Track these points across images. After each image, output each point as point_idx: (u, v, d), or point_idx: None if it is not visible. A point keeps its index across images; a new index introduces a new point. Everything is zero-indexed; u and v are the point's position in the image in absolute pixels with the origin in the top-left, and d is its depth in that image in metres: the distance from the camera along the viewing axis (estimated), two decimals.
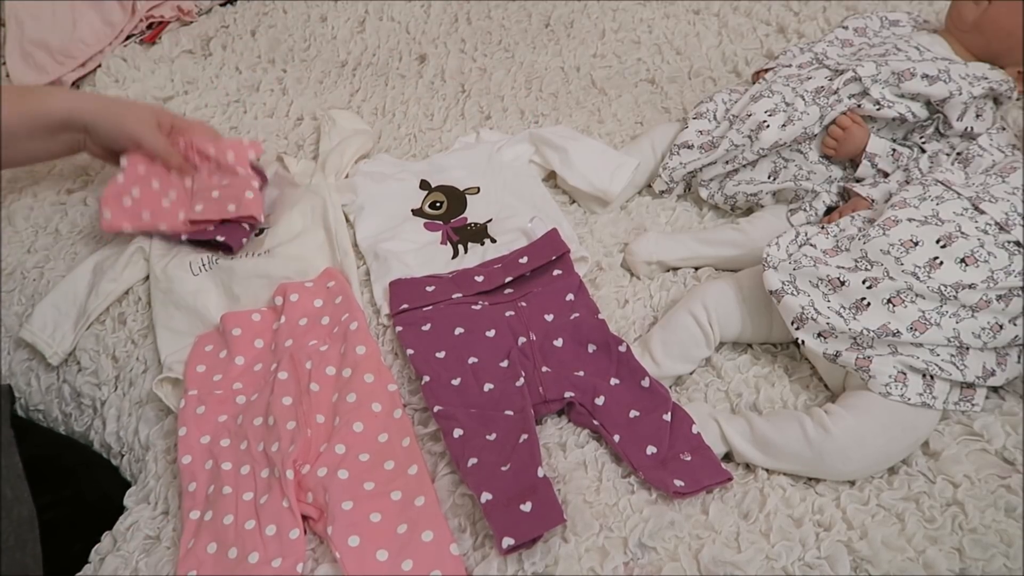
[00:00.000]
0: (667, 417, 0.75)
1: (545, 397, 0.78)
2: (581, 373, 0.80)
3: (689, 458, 0.73)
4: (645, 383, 0.78)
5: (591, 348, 0.82)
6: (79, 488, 0.78)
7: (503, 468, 0.71)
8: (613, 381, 0.79)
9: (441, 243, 0.97)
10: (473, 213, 1.00)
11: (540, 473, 0.70)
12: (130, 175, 0.97)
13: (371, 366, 0.82)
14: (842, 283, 0.77)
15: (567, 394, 0.78)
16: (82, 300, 0.95)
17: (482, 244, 0.95)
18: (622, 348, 0.81)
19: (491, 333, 0.84)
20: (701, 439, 0.74)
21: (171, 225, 0.97)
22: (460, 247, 0.96)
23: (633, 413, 0.76)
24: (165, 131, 0.98)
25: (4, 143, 0.90)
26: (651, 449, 0.73)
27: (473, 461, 0.72)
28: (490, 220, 0.98)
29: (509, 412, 0.76)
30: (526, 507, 0.68)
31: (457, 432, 0.75)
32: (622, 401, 0.77)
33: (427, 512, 0.71)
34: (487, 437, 0.74)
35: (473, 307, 0.87)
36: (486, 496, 0.69)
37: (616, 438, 0.74)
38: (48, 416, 0.95)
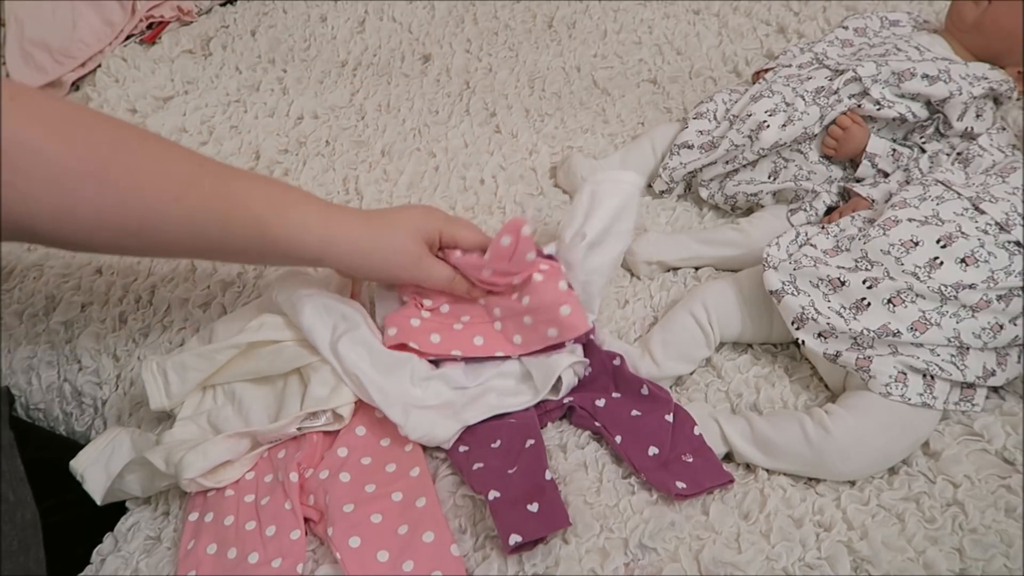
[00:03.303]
0: (669, 418, 0.75)
1: (546, 407, 0.78)
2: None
3: (691, 459, 0.72)
4: (644, 391, 0.78)
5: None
6: (82, 491, 0.78)
7: (510, 471, 0.71)
8: (615, 395, 0.79)
9: None
10: None
11: (547, 476, 0.70)
12: (413, 303, 0.81)
13: None
14: (842, 283, 0.77)
15: (567, 399, 0.78)
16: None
17: None
18: (616, 363, 0.80)
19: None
20: (703, 440, 0.74)
21: (466, 351, 0.79)
22: None
23: (635, 412, 0.76)
24: (436, 247, 0.77)
25: (218, 256, 0.74)
26: (653, 450, 0.73)
27: (479, 465, 0.72)
28: None
29: (512, 420, 0.77)
30: (533, 507, 0.68)
31: (462, 448, 0.75)
32: (623, 402, 0.77)
33: (428, 513, 0.71)
34: (491, 445, 0.74)
35: None
36: (494, 494, 0.69)
37: (618, 439, 0.74)
38: (49, 415, 0.95)
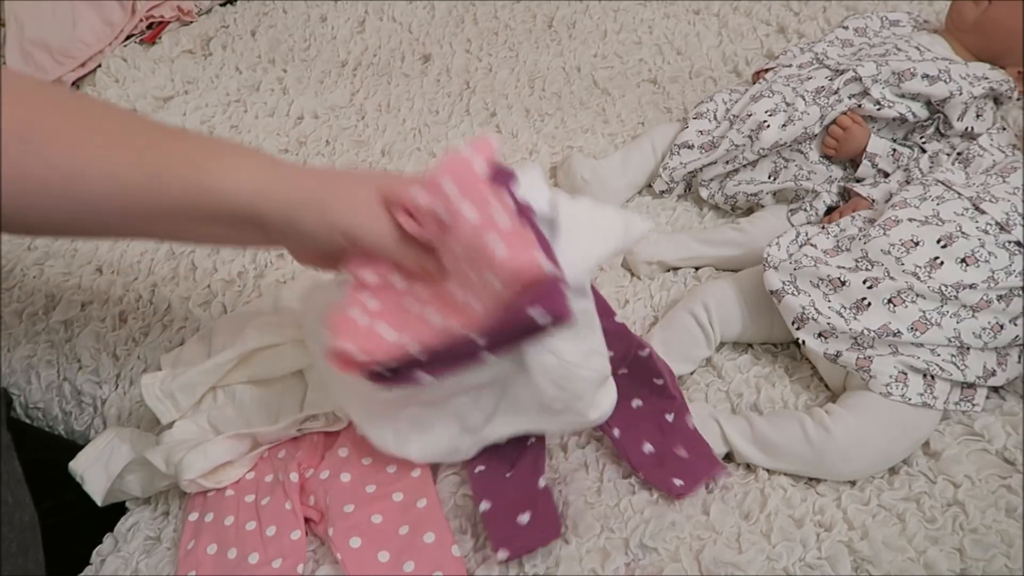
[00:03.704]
0: (670, 417, 0.75)
1: None
2: None
3: (684, 454, 0.72)
4: (658, 382, 0.74)
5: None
6: (81, 491, 0.78)
7: (507, 475, 0.71)
8: (621, 371, 0.73)
9: None
10: None
11: (541, 483, 0.69)
12: (354, 292, 0.62)
13: None
14: (843, 283, 0.77)
15: None
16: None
17: None
18: (644, 352, 0.74)
19: None
20: (696, 432, 0.73)
21: (423, 337, 0.59)
22: None
23: (636, 403, 0.75)
24: (395, 208, 0.59)
25: (153, 219, 0.60)
26: (648, 447, 0.73)
27: (480, 468, 0.72)
28: None
29: None
30: (524, 518, 0.67)
31: None
32: (625, 391, 0.70)
33: (429, 514, 0.71)
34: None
35: None
36: (484, 505, 0.69)
37: (616, 432, 0.73)
38: (48, 414, 0.95)
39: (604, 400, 0.64)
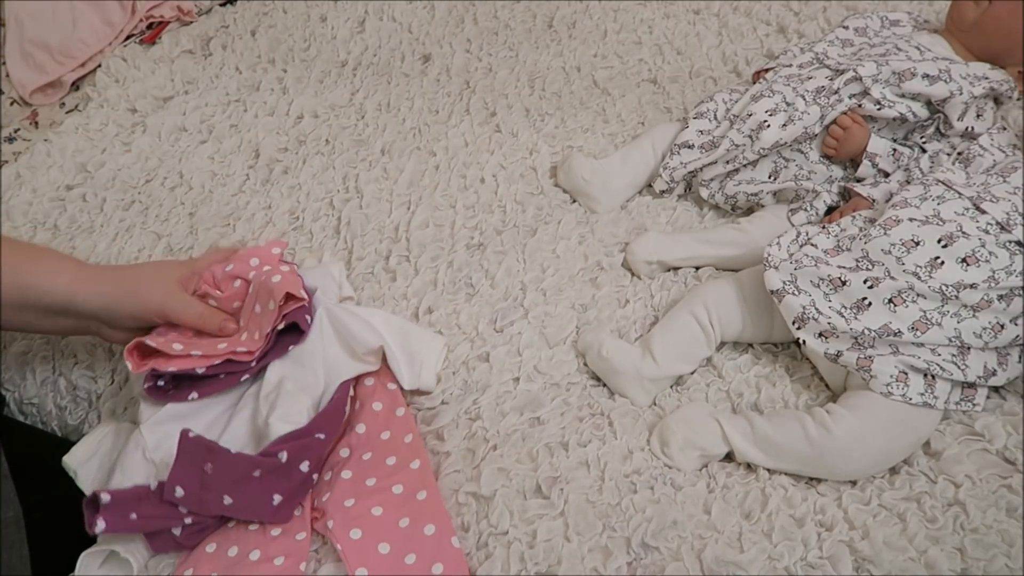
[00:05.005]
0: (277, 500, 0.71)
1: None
2: None
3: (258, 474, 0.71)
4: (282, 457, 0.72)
5: None
6: (70, 487, 0.78)
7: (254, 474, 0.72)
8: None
9: None
10: None
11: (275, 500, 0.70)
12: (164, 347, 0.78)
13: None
14: (843, 283, 0.77)
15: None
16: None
17: None
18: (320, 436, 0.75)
19: None
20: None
21: (206, 350, 0.78)
22: None
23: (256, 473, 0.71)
24: (190, 288, 0.81)
25: (10, 312, 0.76)
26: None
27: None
28: None
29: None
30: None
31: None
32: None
33: (429, 506, 0.71)
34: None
35: None
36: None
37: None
38: (42, 410, 0.95)
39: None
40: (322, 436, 0.73)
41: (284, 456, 0.70)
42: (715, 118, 1.03)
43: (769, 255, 0.82)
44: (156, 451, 0.74)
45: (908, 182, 0.90)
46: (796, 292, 0.79)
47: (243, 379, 0.79)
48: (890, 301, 0.75)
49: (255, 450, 0.74)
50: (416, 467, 0.74)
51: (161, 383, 0.78)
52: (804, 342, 0.78)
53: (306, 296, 0.80)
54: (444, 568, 0.67)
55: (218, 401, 0.79)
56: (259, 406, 0.76)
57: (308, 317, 0.79)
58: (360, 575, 0.66)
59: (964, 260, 0.75)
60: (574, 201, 1.04)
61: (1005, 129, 0.95)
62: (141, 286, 0.79)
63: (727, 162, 0.98)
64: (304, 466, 0.71)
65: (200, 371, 0.77)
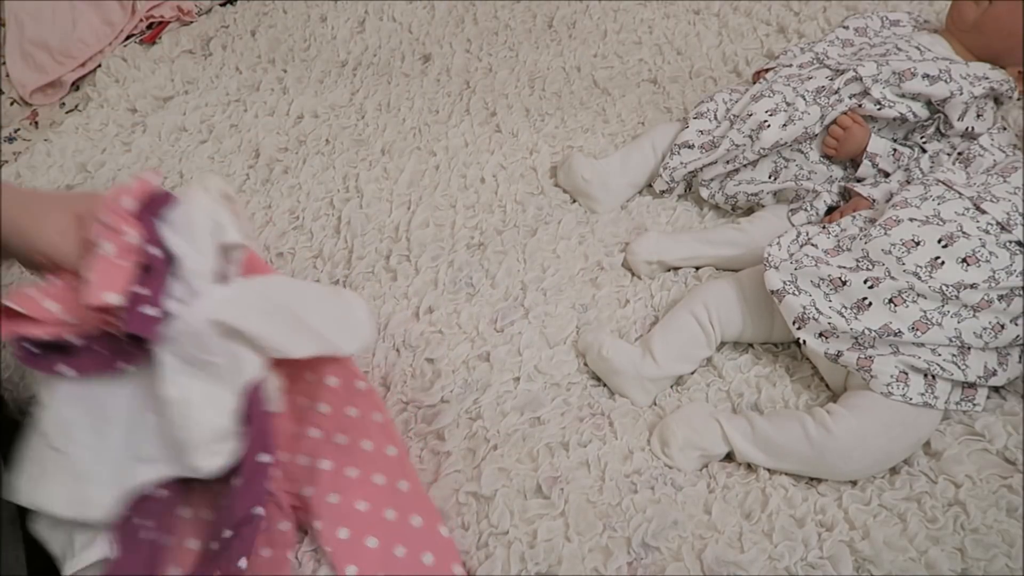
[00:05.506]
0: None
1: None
2: None
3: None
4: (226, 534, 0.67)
5: None
6: None
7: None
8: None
9: None
10: None
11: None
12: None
13: None
14: (843, 283, 0.77)
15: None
16: None
17: None
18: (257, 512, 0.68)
19: None
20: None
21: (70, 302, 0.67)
22: None
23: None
24: (91, 226, 0.68)
25: None
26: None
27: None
28: None
29: None
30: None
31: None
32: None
33: (413, 496, 0.71)
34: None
35: None
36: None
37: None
38: None
39: (219, 454, 0.65)
40: (267, 458, 0.66)
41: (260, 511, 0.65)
42: (715, 118, 1.03)
43: (769, 255, 0.82)
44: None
45: (908, 182, 0.90)
46: (796, 292, 0.79)
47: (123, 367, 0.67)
48: (890, 301, 0.75)
49: (177, 462, 0.66)
50: (393, 454, 0.73)
51: (35, 350, 0.66)
52: (804, 342, 0.78)
53: (117, 300, 0.63)
54: (434, 558, 0.67)
55: (110, 391, 0.68)
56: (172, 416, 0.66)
57: (151, 313, 0.63)
58: (350, 574, 0.66)
59: (964, 260, 0.75)
60: (574, 201, 1.04)
61: (1005, 129, 0.95)
62: (30, 217, 0.68)
63: (727, 162, 0.98)
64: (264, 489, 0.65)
65: (77, 342, 0.66)
